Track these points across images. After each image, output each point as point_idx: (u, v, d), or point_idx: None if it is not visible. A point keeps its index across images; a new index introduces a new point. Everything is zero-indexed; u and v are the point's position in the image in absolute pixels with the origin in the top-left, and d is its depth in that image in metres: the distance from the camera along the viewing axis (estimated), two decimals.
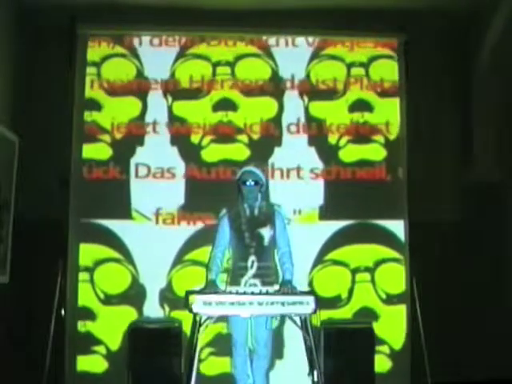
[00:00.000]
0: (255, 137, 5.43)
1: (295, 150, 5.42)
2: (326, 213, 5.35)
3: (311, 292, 4.19)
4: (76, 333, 5.11)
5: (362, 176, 5.41)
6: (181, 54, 5.49)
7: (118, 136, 5.36)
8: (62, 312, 4.95)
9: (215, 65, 5.49)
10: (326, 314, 4.95)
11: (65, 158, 5.20)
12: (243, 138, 5.42)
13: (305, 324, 4.14)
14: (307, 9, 5.29)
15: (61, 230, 5.05)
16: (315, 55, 5.54)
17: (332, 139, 5.46)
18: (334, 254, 5.33)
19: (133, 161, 5.33)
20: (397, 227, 5.38)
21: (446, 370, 4.76)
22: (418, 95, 5.44)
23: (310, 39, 5.54)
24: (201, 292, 4.24)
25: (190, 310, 4.05)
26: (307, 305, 4.07)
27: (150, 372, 4.65)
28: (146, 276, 5.20)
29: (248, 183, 4.49)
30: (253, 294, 4.13)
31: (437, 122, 5.51)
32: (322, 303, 5.05)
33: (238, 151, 5.38)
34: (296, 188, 5.37)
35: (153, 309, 5.17)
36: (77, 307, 5.14)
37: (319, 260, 5.31)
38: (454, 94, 5.62)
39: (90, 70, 5.40)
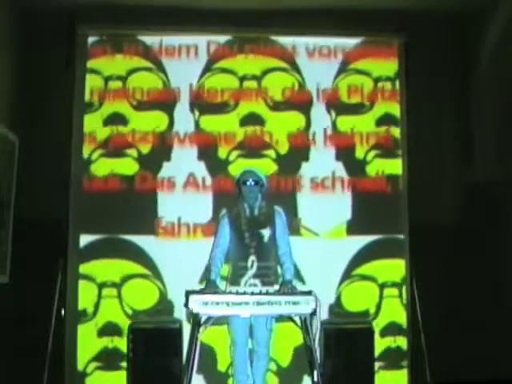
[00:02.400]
0: (282, 151, 5.41)
1: (322, 165, 5.39)
2: (353, 228, 5.33)
3: (311, 292, 4.17)
4: (76, 334, 5.11)
5: (387, 189, 5.41)
6: (207, 68, 5.46)
7: (145, 151, 5.33)
8: (62, 312, 4.95)
9: (242, 79, 5.47)
10: None
11: (65, 158, 5.20)
12: (270, 152, 5.40)
13: (305, 324, 4.14)
14: (307, 9, 5.29)
15: (61, 231, 5.06)
16: (342, 69, 5.52)
17: (359, 153, 5.45)
18: (361, 269, 5.31)
19: (160, 175, 5.31)
20: None
21: (446, 369, 4.76)
22: (417, 95, 5.43)
23: (338, 54, 5.53)
24: (201, 292, 4.24)
25: (190, 310, 4.06)
26: (307, 305, 4.07)
27: (149, 372, 4.64)
28: (174, 292, 5.16)
29: (248, 183, 4.50)
30: (253, 294, 4.13)
31: (437, 123, 5.51)
32: (350, 318, 5.16)
33: (266, 166, 5.34)
34: (323, 203, 5.34)
35: None
36: (77, 311, 5.14)
37: (347, 275, 5.29)
38: (453, 94, 5.62)
39: (116, 83, 5.38)
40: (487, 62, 5.50)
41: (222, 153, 5.37)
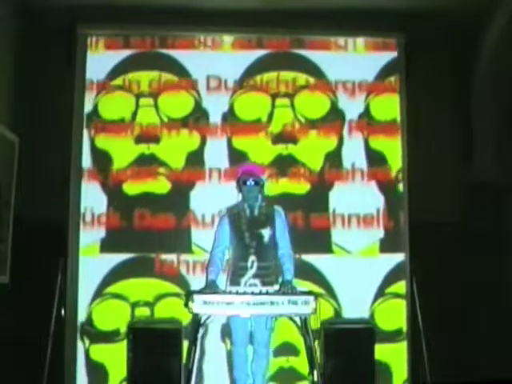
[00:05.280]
0: (315, 170, 5.37)
1: (355, 184, 5.38)
2: (386, 246, 5.32)
3: (311, 292, 4.17)
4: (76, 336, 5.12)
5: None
6: (239, 86, 5.43)
7: (177, 169, 5.32)
8: (62, 312, 4.96)
9: (274, 96, 5.43)
10: (385, 348, 5.01)
11: (65, 158, 5.21)
12: (303, 171, 5.37)
13: (305, 324, 4.14)
14: (307, 9, 5.29)
15: (61, 230, 5.07)
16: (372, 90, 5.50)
17: (391, 172, 5.43)
18: (394, 287, 5.29)
19: (193, 194, 5.29)
20: None
21: (445, 370, 4.76)
22: (417, 95, 5.44)
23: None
24: (201, 292, 4.25)
25: (190, 310, 4.06)
26: (307, 305, 4.07)
27: (149, 372, 4.64)
28: None
29: (248, 183, 4.49)
30: (253, 293, 4.14)
31: (437, 122, 5.51)
32: (383, 336, 5.12)
33: (298, 185, 5.33)
34: (357, 221, 5.33)
35: (214, 343, 5.06)
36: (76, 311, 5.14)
37: (380, 293, 5.27)
38: (454, 93, 5.62)
39: (148, 100, 5.37)
40: (487, 62, 5.50)
41: None
